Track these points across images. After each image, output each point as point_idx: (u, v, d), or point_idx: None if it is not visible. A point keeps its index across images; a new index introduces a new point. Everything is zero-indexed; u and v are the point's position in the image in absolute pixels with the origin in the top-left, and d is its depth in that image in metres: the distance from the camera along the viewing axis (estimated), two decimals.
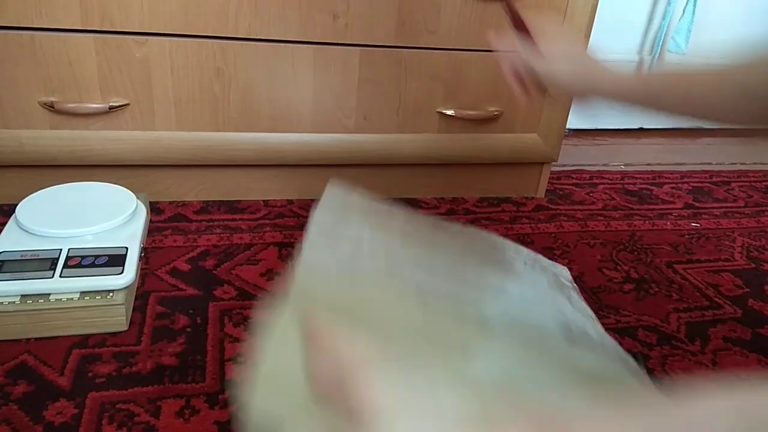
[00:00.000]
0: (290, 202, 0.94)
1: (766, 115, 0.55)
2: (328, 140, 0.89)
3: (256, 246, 0.81)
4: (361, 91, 0.87)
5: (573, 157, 1.25)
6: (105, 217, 0.70)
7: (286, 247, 0.81)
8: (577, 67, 0.60)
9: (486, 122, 0.93)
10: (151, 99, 0.81)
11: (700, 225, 0.98)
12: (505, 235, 0.88)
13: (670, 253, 0.88)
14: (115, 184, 0.77)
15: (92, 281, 0.62)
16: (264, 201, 0.93)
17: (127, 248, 0.67)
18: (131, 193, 0.75)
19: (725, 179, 1.19)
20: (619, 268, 0.84)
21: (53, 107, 0.78)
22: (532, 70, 0.61)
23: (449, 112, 0.91)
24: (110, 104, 0.80)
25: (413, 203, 0.97)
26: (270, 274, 0.75)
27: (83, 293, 0.62)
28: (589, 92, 0.60)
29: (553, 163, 1.03)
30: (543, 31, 0.61)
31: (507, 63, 0.61)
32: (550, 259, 0.81)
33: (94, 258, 0.64)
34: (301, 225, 0.87)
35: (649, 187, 1.13)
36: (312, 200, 0.94)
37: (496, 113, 0.92)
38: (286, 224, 0.87)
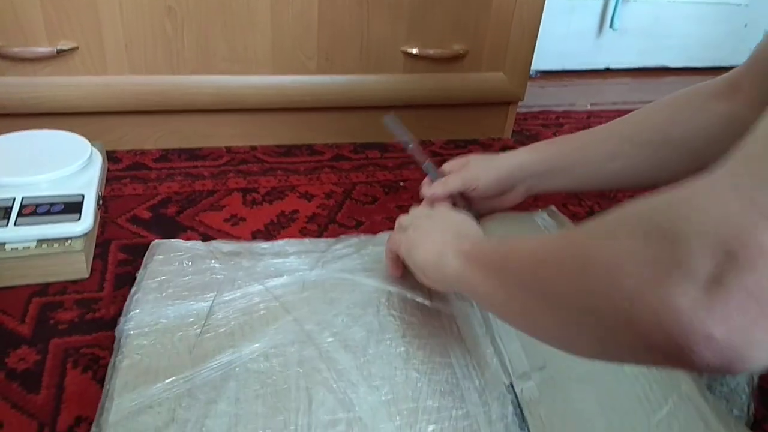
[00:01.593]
0: (254, 148, 0.92)
1: (665, 163, 0.61)
2: (290, 82, 0.86)
3: (219, 192, 0.79)
4: (322, 31, 0.84)
5: (540, 98, 1.24)
6: (59, 164, 0.67)
7: (251, 193, 0.80)
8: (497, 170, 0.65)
9: (451, 61, 0.92)
10: (100, 41, 0.77)
11: None
12: None
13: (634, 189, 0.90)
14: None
15: (48, 229, 0.60)
16: (226, 147, 0.91)
17: (83, 195, 0.65)
18: (85, 139, 0.72)
19: None
20: (583, 203, 0.85)
21: None
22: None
23: (413, 51, 0.89)
24: (58, 48, 0.76)
25: (380, 147, 0.96)
26: (234, 219, 0.74)
27: (40, 241, 0.60)
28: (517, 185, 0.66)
29: (520, 104, 1.03)
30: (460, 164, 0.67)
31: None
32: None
33: (49, 206, 0.63)
34: (265, 171, 0.86)
35: None
36: (276, 146, 0.93)
37: (461, 52, 0.91)
38: (250, 170, 0.85)
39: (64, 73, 0.79)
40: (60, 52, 0.77)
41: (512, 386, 0.50)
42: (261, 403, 0.47)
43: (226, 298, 0.57)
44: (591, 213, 0.82)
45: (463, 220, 0.56)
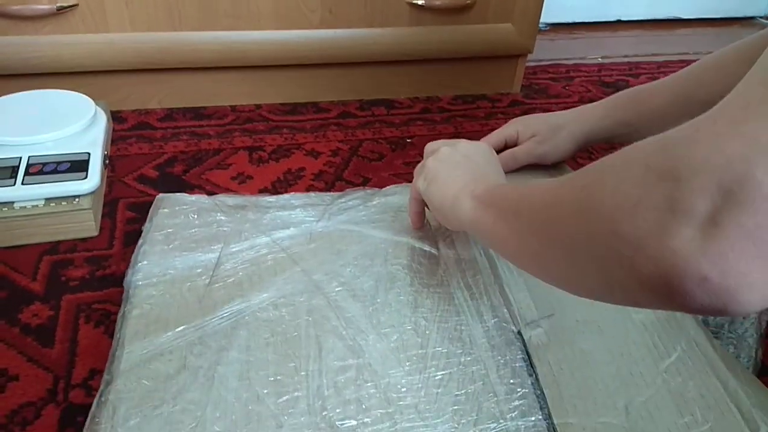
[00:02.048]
0: (258, 106, 0.91)
1: None
2: (293, 37, 0.85)
3: (225, 151, 0.79)
4: None
5: (549, 51, 1.21)
6: (63, 123, 0.67)
7: (257, 151, 0.79)
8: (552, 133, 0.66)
9: (458, 12, 0.90)
10: None
11: None
12: (481, 132, 0.86)
13: None
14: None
15: (56, 187, 0.60)
16: (231, 106, 0.90)
17: (89, 153, 0.64)
18: (88, 98, 0.71)
19: None
20: (593, 157, 0.83)
21: None
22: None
23: (420, 2, 0.86)
24: (58, 5, 0.75)
25: (387, 103, 0.94)
26: (241, 177, 0.74)
27: (48, 200, 0.60)
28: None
29: (529, 57, 1.00)
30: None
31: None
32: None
33: (56, 164, 0.63)
34: (270, 129, 0.85)
35: (625, 78, 1.11)
36: (281, 104, 0.92)
37: (468, 2, 0.88)
38: (256, 129, 0.85)
39: (66, 31, 0.77)
40: (60, 10, 0.75)
41: (520, 333, 0.50)
42: (272, 350, 0.48)
43: (234, 249, 0.57)
44: None
45: (484, 159, 0.55)
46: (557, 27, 1.35)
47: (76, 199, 0.61)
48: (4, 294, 0.55)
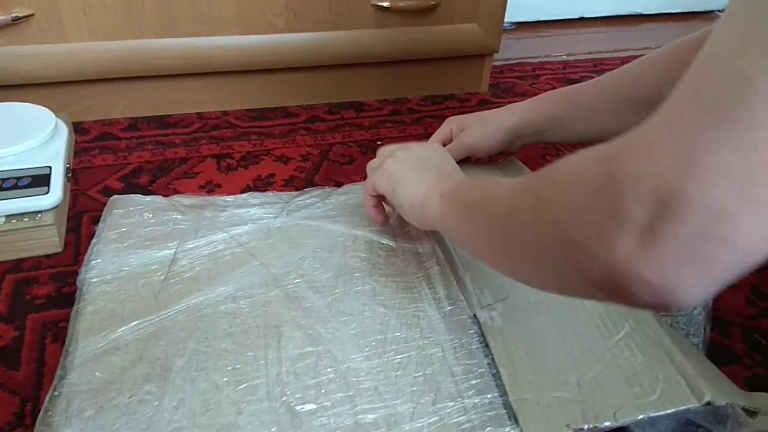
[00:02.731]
0: (225, 113, 0.89)
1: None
2: (258, 42, 0.84)
3: (193, 159, 0.78)
4: None
5: (515, 50, 1.22)
6: (23, 137, 0.65)
7: (225, 158, 0.78)
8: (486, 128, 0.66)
9: (424, 13, 0.90)
10: (57, 7, 0.74)
11: None
12: None
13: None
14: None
15: (17, 203, 0.59)
16: (197, 114, 0.88)
17: (50, 167, 0.63)
18: (49, 111, 0.70)
19: None
20: (560, 153, 0.84)
21: None
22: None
23: (384, 4, 0.86)
24: (12, 15, 0.73)
25: (356, 106, 0.94)
26: (210, 185, 0.73)
27: (9, 217, 0.58)
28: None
29: (495, 56, 1.01)
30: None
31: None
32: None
33: (16, 180, 0.61)
34: (238, 136, 0.84)
35: (590, 74, 1.12)
36: (248, 110, 0.91)
37: (433, 3, 0.89)
38: (223, 136, 0.84)
39: (23, 42, 0.75)
40: (16, 20, 0.73)
41: (476, 317, 0.51)
42: (230, 340, 0.48)
43: (190, 245, 0.57)
44: None
45: (441, 159, 0.56)
46: (522, 25, 1.37)
47: (39, 215, 0.59)
48: None
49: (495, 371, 0.46)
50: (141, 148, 0.79)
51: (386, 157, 0.58)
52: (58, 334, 0.52)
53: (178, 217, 0.60)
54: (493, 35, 0.95)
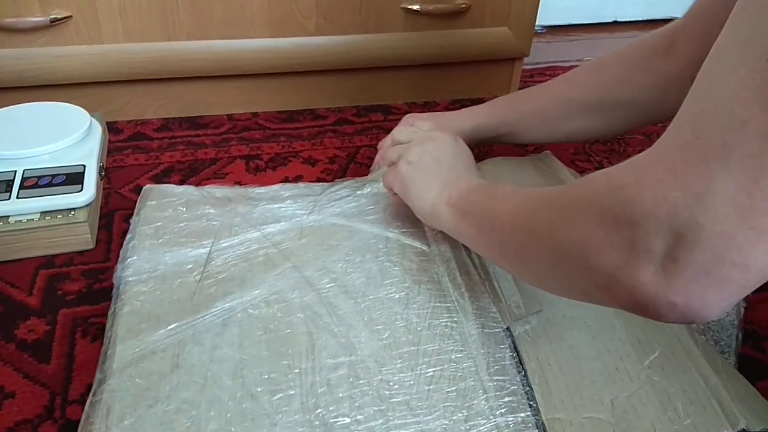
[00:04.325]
0: (255, 114, 0.90)
1: (616, 123, 0.65)
2: (288, 45, 0.84)
3: (222, 160, 0.79)
4: None
5: (547, 54, 1.21)
6: (58, 136, 0.66)
7: (254, 160, 0.79)
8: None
9: (454, 17, 0.89)
10: (94, 9, 0.76)
11: None
12: None
13: (643, 142, 0.88)
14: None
15: (51, 200, 0.60)
16: (227, 115, 0.90)
17: (84, 166, 0.64)
18: (84, 110, 0.71)
19: None
20: (591, 159, 0.83)
21: None
22: None
23: (414, 7, 0.86)
24: (51, 17, 0.75)
25: (384, 109, 0.94)
26: (238, 186, 0.73)
27: (44, 213, 0.60)
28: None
29: (526, 60, 1.00)
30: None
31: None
32: (522, 154, 0.80)
33: (51, 177, 0.62)
34: (267, 137, 0.84)
35: None
36: (278, 111, 0.92)
37: (463, 6, 0.88)
38: (252, 137, 0.84)
39: (60, 43, 0.77)
40: (54, 22, 0.75)
41: (509, 330, 0.50)
42: (265, 347, 0.48)
43: (224, 244, 0.57)
44: (600, 168, 0.81)
45: (453, 157, 0.57)
46: (553, 29, 1.35)
47: (72, 212, 0.60)
48: (0, 309, 0.55)
49: (528, 388, 0.46)
50: (172, 149, 0.80)
51: (400, 151, 0.58)
52: (87, 329, 0.53)
53: (212, 212, 0.61)
54: (524, 39, 0.94)
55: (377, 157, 0.71)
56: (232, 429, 0.42)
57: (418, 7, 0.86)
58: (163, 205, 0.61)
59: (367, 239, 0.59)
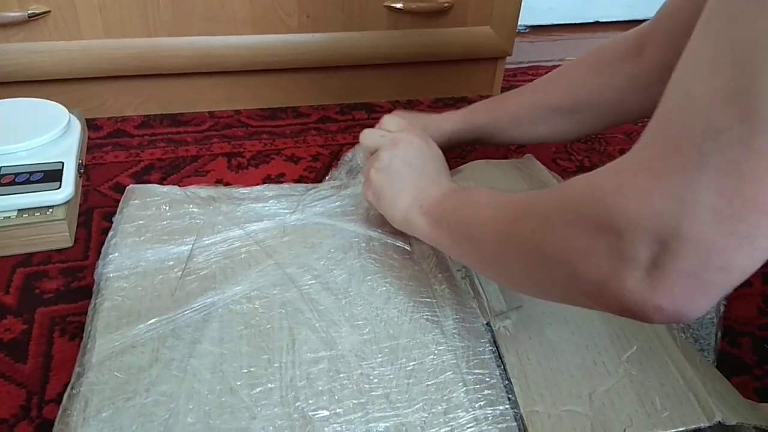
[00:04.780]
0: (237, 112, 0.90)
1: (586, 125, 0.66)
2: (271, 41, 0.84)
3: (204, 158, 0.78)
4: None
5: (529, 54, 1.22)
6: (36, 132, 0.66)
7: (236, 157, 0.78)
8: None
9: (437, 15, 0.90)
10: (73, 4, 0.75)
11: None
12: None
13: (623, 141, 0.89)
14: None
15: (29, 198, 0.59)
16: (209, 112, 0.89)
17: (63, 163, 0.63)
18: (62, 107, 0.70)
19: None
20: (573, 158, 0.84)
21: None
22: None
23: (398, 5, 0.86)
24: (29, 12, 0.74)
25: (367, 107, 0.94)
26: (220, 184, 0.73)
27: (21, 211, 0.59)
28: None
29: (509, 59, 1.01)
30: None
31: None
32: (505, 155, 0.81)
33: (28, 174, 0.61)
34: (249, 135, 0.84)
35: None
36: (260, 109, 0.91)
37: (446, 5, 0.88)
38: (234, 135, 0.84)
39: (38, 38, 0.76)
40: (32, 17, 0.74)
41: (489, 325, 0.51)
42: (245, 342, 0.48)
43: (207, 242, 0.57)
44: (581, 167, 0.82)
45: (423, 161, 0.56)
46: (536, 29, 1.36)
47: (50, 210, 0.60)
48: None
49: (507, 381, 0.46)
50: (153, 146, 0.80)
51: (373, 155, 0.58)
52: (65, 328, 0.53)
53: (195, 210, 0.61)
54: (507, 38, 0.95)
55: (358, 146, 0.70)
56: (211, 422, 0.42)
57: (402, 5, 0.86)
58: (147, 204, 0.61)
59: (350, 237, 0.59)
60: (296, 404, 0.43)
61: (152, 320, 0.48)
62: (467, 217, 0.46)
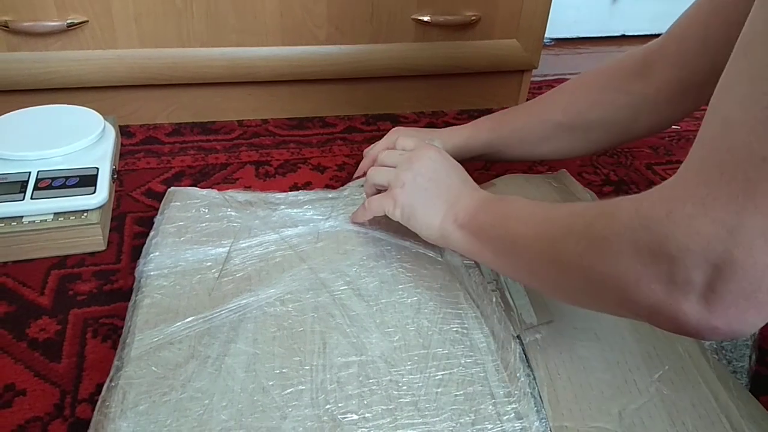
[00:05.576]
0: (265, 121, 0.91)
1: (594, 143, 0.66)
2: (300, 53, 0.85)
3: (232, 165, 0.79)
4: None
5: (555, 66, 1.22)
6: (72, 138, 0.67)
7: (264, 165, 0.80)
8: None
9: (463, 28, 0.90)
10: (110, 14, 0.77)
11: (681, 127, 0.98)
12: None
13: (650, 155, 0.88)
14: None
15: (65, 202, 0.61)
16: (238, 121, 0.91)
17: (97, 168, 0.65)
18: (98, 113, 0.72)
19: None
20: (598, 171, 0.83)
21: (8, 27, 0.74)
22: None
23: (425, 18, 0.87)
24: (68, 21, 0.76)
25: (392, 118, 0.95)
26: (259, 192, 0.74)
27: (57, 214, 0.61)
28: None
29: (534, 72, 1.01)
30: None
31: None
32: (530, 168, 0.81)
33: (64, 179, 0.63)
34: (277, 144, 0.85)
35: None
36: (288, 119, 0.93)
37: (473, 18, 0.89)
38: (262, 143, 0.85)
39: (75, 47, 0.78)
40: (70, 26, 0.76)
41: (520, 338, 0.51)
42: (278, 344, 0.49)
43: (243, 245, 0.58)
44: (607, 181, 0.81)
45: (446, 173, 0.56)
46: (562, 42, 1.36)
47: (85, 214, 0.61)
48: (12, 308, 0.55)
49: (536, 395, 0.46)
50: (183, 153, 0.81)
51: (390, 177, 0.57)
52: (98, 330, 0.54)
53: (233, 214, 0.63)
54: (533, 51, 0.95)
55: (363, 164, 0.71)
56: (243, 419, 0.43)
57: (429, 18, 0.87)
58: (187, 206, 0.63)
59: (382, 246, 0.60)
60: (326, 407, 0.44)
61: (189, 318, 0.50)
62: (506, 231, 0.46)
